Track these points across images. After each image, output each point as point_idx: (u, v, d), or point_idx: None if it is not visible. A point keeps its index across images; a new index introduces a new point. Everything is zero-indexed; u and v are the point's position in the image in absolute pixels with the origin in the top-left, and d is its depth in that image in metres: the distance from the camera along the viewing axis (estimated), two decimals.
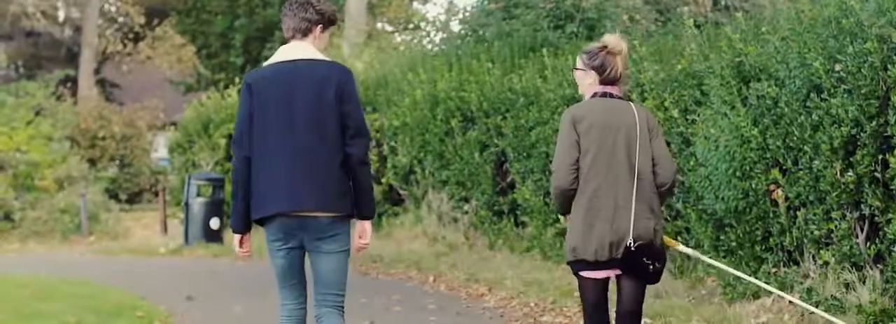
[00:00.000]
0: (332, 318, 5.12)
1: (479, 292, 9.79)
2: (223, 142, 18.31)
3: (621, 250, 5.06)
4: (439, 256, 12.17)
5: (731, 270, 6.47)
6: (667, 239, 5.39)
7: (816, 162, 7.03)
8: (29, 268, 13.08)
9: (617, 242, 5.06)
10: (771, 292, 7.38)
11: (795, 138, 7.23)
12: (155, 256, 15.03)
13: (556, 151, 5.16)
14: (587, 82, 5.27)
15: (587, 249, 5.08)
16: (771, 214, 7.53)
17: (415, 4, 32.55)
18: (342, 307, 5.14)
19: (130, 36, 33.09)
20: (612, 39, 5.27)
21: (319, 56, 5.11)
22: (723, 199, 7.78)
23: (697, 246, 8.55)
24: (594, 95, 5.23)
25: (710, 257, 8.24)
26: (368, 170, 5.02)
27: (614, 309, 5.27)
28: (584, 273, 5.17)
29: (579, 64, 5.30)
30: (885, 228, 6.66)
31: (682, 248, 5.64)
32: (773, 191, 7.42)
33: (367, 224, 5.11)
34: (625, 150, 5.10)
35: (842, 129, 6.85)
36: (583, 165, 5.09)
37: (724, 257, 7.96)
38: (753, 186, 7.55)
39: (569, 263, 5.22)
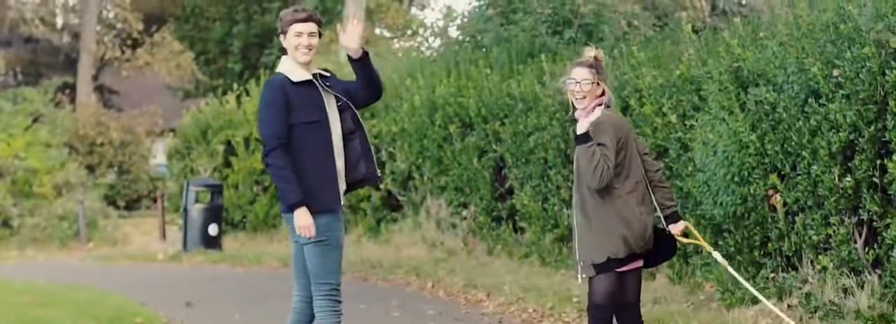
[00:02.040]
0: (320, 315, 5.59)
1: (478, 297, 9.79)
2: (221, 148, 18.28)
3: (650, 239, 5.50)
4: (438, 261, 12.16)
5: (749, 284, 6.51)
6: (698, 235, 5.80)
7: (815, 167, 7.03)
8: (28, 274, 13.07)
9: (649, 232, 5.49)
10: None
11: (794, 143, 7.23)
12: (153, 262, 15.00)
13: (607, 154, 5.35)
14: (598, 93, 5.48)
15: (637, 240, 5.41)
16: (769, 220, 7.53)
17: (413, 10, 32.59)
18: (331, 298, 5.58)
19: (129, 42, 33.05)
20: (596, 51, 5.57)
21: (279, 67, 5.64)
22: (721, 204, 7.78)
23: (696, 252, 8.56)
24: (607, 105, 5.42)
25: (710, 262, 8.25)
26: (273, 170, 5.47)
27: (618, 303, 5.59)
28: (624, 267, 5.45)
29: (589, 76, 5.42)
30: (884, 234, 6.66)
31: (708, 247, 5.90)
32: (772, 196, 7.42)
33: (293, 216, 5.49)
34: (636, 152, 5.52)
35: (840, 134, 6.85)
36: (621, 166, 5.41)
37: None
38: (752, 191, 7.54)
39: (615, 261, 5.40)
